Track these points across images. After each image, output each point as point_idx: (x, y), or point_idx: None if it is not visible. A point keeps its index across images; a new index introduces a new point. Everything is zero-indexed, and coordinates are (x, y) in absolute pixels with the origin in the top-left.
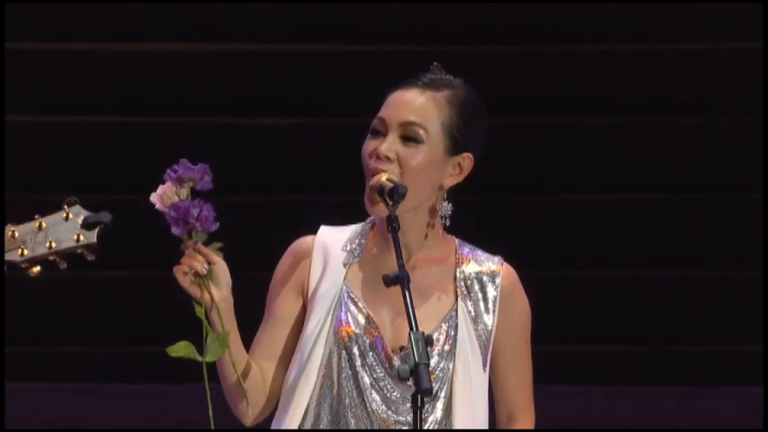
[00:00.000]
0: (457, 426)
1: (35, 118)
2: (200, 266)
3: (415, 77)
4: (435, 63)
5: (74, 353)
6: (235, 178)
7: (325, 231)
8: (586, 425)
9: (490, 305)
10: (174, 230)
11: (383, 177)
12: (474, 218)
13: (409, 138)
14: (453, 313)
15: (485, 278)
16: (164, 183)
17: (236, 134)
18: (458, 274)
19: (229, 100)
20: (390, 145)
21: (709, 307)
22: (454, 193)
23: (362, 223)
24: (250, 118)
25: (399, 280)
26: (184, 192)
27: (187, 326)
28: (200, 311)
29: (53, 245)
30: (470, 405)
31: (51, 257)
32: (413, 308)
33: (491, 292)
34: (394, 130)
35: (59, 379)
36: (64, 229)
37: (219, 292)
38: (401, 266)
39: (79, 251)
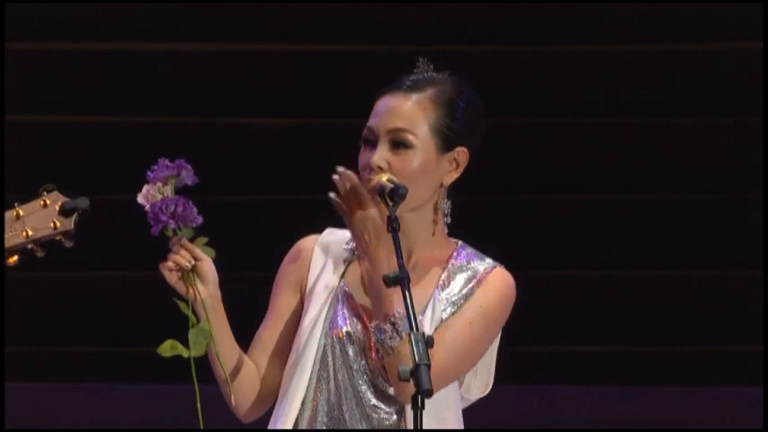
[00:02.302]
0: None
1: (35, 118)
2: (185, 261)
3: (399, 81)
4: (421, 59)
5: (74, 353)
6: (235, 178)
7: (329, 232)
8: (586, 425)
9: (458, 299)
10: (152, 230)
11: (384, 178)
12: (473, 218)
13: (399, 144)
14: (428, 303)
15: (468, 275)
16: (146, 183)
17: (235, 134)
18: (443, 272)
19: (229, 100)
20: (381, 154)
21: (710, 307)
22: (453, 193)
23: None
24: (250, 118)
25: (399, 280)
26: (168, 189)
27: (187, 326)
28: (184, 308)
29: (30, 233)
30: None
31: (29, 246)
32: (413, 308)
33: (466, 288)
34: (383, 139)
35: (59, 379)
36: (41, 217)
37: (206, 289)
38: (401, 266)
39: (57, 238)
